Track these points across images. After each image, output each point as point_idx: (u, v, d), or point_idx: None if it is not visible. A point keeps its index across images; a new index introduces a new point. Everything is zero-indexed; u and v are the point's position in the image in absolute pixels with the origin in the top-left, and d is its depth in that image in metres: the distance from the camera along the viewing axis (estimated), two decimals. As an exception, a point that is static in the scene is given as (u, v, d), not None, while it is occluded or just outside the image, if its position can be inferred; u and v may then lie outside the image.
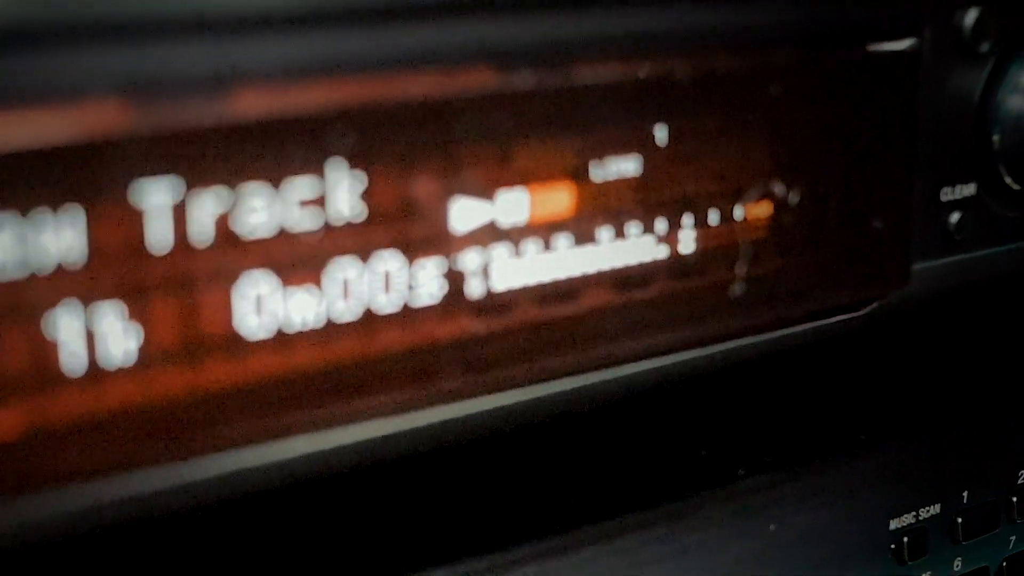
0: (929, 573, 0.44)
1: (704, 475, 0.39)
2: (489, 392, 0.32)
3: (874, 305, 0.39)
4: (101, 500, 0.28)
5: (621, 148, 0.32)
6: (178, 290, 0.27)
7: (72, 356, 0.26)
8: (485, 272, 0.31)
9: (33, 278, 0.25)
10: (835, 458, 0.41)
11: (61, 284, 0.26)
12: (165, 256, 0.27)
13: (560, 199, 0.31)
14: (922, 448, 0.43)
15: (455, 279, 0.30)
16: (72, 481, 0.27)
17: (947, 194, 0.40)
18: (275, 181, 0.27)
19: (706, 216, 0.34)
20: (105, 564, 0.30)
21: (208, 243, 0.27)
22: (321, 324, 0.29)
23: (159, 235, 0.26)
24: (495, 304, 0.31)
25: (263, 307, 0.28)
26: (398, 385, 0.30)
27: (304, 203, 0.28)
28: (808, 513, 0.40)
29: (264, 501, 0.31)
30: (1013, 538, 0.46)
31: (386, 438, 0.31)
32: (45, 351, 0.26)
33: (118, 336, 0.27)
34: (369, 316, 0.29)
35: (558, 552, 0.34)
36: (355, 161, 0.28)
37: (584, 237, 0.32)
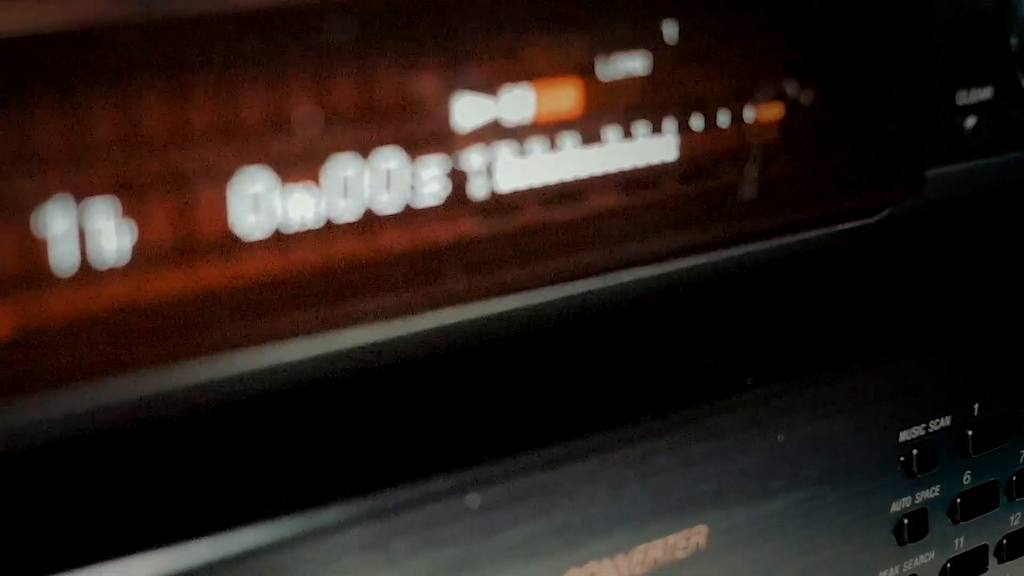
0: (938, 487, 0.43)
1: (711, 384, 0.38)
2: (492, 296, 0.31)
3: (886, 211, 0.38)
4: (92, 404, 0.27)
5: (629, 45, 0.31)
6: (173, 186, 0.26)
7: (63, 254, 0.26)
8: (489, 172, 0.30)
9: (23, 173, 0.25)
10: (845, 368, 0.40)
11: (52, 179, 0.25)
12: (160, 150, 0.26)
13: (566, 97, 0.31)
14: (933, 360, 0.42)
15: (458, 178, 0.30)
16: (63, 384, 0.27)
17: (963, 98, 0.39)
18: (274, 74, 0.26)
19: (716, 117, 0.33)
20: (97, 470, 0.30)
21: (204, 137, 0.26)
22: (320, 224, 0.28)
23: (154, 127, 0.26)
24: (499, 205, 0.30)
25: (260, 205, 0.27)
26: (399, 288, 0.29)
27: (303, 96, 0.27)
28: (817, 423, 0.39)
29: (261, 406, 0.31)
30: (1023, 452, 0.45)
31: (387, 342, 0.30)
32: (35, 249, 0.25)
33: (111, 234, 0.26)
34: (370, 216, 0.29)
35: (563, 461, 0.34)
36: (356, 54, 0.27)
37: (591, 137, 0.31)
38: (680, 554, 0.37)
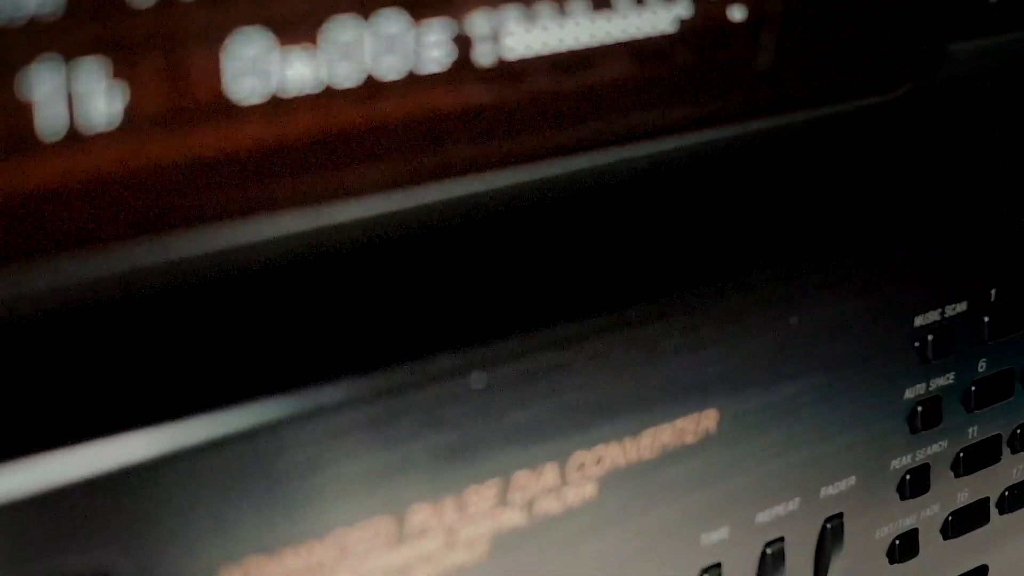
0: (953, 374, 0.43)
1: (723, 264, 0.37)
2: (497, 167, 0.30)
3: (905, 87, 0.37)
4: (82, 277, 0.27)
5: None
6: (166, 47, 0.25)
7: (49, 119, 0.25)
8: (495, 37, 0.29)
9: (5, 31, 0.24)
10: (859, 251, 0.40)
11: (37, 37, 0.24)
12: (152, 8, 0.25)
13: (575, -41, 0.30)
14: (949, 244, 0.42)
15: (463, 44, 0.29)
16: (49, 256, 0.26)
17: (987, -33, 0.38)
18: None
19: (731, -17, 0.32)
20: (88, 345, 0.29)
21: (196, -6, 0.25)
22: (319, 89, 0.27)
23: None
24: (505, 72, 0.29)
25: (256, 69, 0.26)
26: (401, 157, 0.29)
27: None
28: (830, 307, 0.39)
29: (258, 281, 0.30)
30: (1040, 340, 0.45)
31: (390, 215, 0.29)
32: (19, 113, 0.24)
33: (100, 97, 0.25)
34: (371, 83, 0.28)
35: (571, 342, 0.33)
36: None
37: (600, 2, 0.30)
38: (689, 439, 0.36)
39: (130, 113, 0.26)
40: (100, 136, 0.25)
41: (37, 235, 0.26)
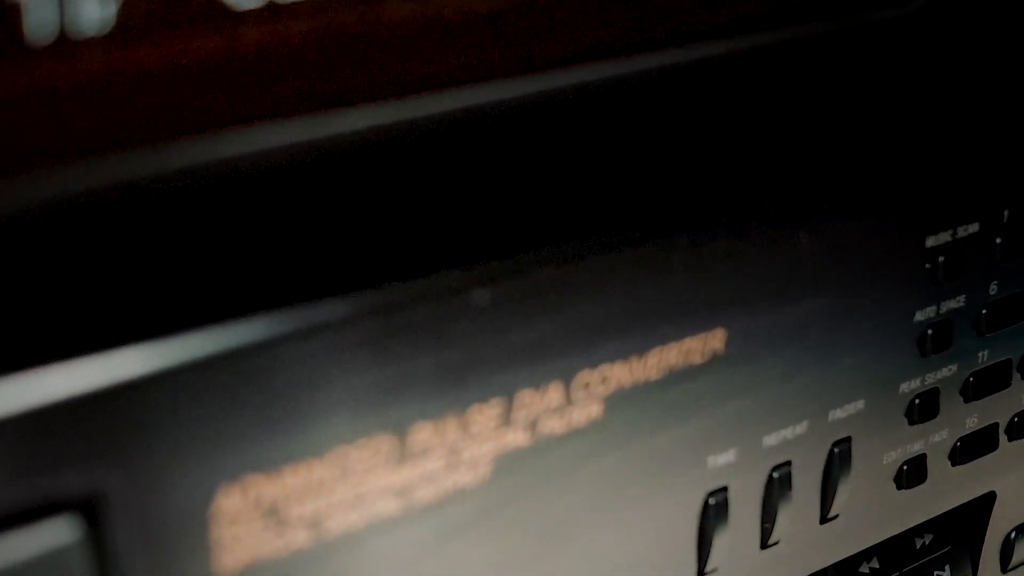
0: (964, 296, 0.42)
1: (733, 181, 0.37)
2: (505, 75, 0.30)
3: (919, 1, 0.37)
4: (70, 187, 0.26)
5: None
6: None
7: (39, 22, 0.24)
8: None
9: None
10: (871, 170, 0.39)
11: (24, -65, 0.23)
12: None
13: None
14: (962, 164, 0.41)
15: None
16: (39, 165, 0.25)
17: None
18: None
19: None
20: (79, 257, 0.29)
21: None
22: (317, -7, 0.27)
23: None
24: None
25: (252, -29, 0.26)
26: (405, 63, 0.28)
27: None
28: (841, 226, 0.38)
29: (254, 193, 0.29)
30: (1052, 263, 0.44)
31: (394, 125, 0.29)
32: (7, 16, 0.24)
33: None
34: (370, -13, 0.27)
35: (577, 258, 0.33)
36: None
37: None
38: (696, 359, 0.36)
39: (122, 17, 0.25)
40: (91, 40, 0.25)
41: (25, 144, 0.25)
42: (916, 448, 0.43)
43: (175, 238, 0.30)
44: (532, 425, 0.33)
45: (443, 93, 0.29)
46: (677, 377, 0.36)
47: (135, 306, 0.28)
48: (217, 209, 0.29)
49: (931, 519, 0.46)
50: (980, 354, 0.44)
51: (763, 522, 0.40)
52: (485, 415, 0.32)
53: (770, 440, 0.39)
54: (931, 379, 0.43)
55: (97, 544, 0.28)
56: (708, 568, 0.39)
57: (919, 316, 0.41)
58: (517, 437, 0.33)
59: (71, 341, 0.27)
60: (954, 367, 0.43)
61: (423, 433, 0.32)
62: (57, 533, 0.28)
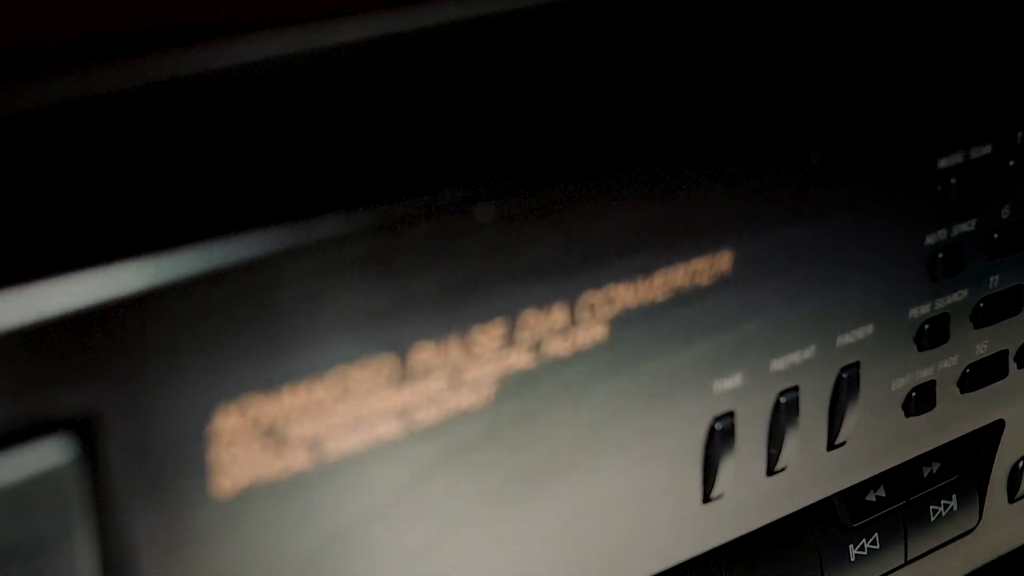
0: (975, 220, 0.42)
1: (741, 99, 0.36)
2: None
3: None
4: (70, 97, 0.25)
5: None
6: None
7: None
8: None
9: None
10: (883, 91, 0.38)
11: None
12: None
13: None
14: (975, 84, 0.41)
15: None
16: (32, 75, 0.25)
17: None
18: None
19: None
20: (75, 169, 0.28)
21: None
22: None
23: None
24: None
25: None
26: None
27: None
28: (853, 145, 0.38)
29: (254, 105, 0.29)
30: (1064, 185, 0.44)
31: (398, 36, 0.28)
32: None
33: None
34: None
35: (584, 175, 0.32)
36: None
37: None
38: (703, 281, 0.35)
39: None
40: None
41: (17, 52, 0.24)
42: (925, 374, 0.43)
43: (172, 151, 0.29)
44: (536, 346, 0.33)
45: (451, 2, 0.28)
46: (683, 299, 0.35)
47: (131, 220, 0.28)
48: (217, 123, 0.29)
49: (939, 447, 0.46)
50: (991, 279, 0.43)
51: (770, 448, 0.39)
52: (488, 335, 0.32)
53: (777, 365, 0.38)
54: (941, 304, 0.42)
55: (91, 465, 0.28)
56: (713, 494, 0.38)
57: (930, 239, 0.41)
58: (521, 358, 0.33)
59: (65, 256, 0.27)
60: (964, 292, 0.43)
61: (425, 353, 0.31)
62: (50, 454, 0.27)
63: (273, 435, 0.30)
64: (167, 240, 0.27)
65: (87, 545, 0.28)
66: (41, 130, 0.27)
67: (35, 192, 0.28)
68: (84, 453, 0.27)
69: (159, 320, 0.27)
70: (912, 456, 0.45)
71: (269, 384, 0.29)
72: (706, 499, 0.38)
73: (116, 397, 0.27)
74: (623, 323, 0.34)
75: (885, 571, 0.46)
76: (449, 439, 0.32)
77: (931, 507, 0.47)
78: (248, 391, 0.29)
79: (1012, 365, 0.46)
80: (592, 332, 0.34)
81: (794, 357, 0.39)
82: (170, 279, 0.27)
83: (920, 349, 0.42)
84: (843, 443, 0.41)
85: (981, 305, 0.43)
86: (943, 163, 0.40)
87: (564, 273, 0.33)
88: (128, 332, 0.27)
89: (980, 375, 0.45)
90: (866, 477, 0.43)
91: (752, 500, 0.40)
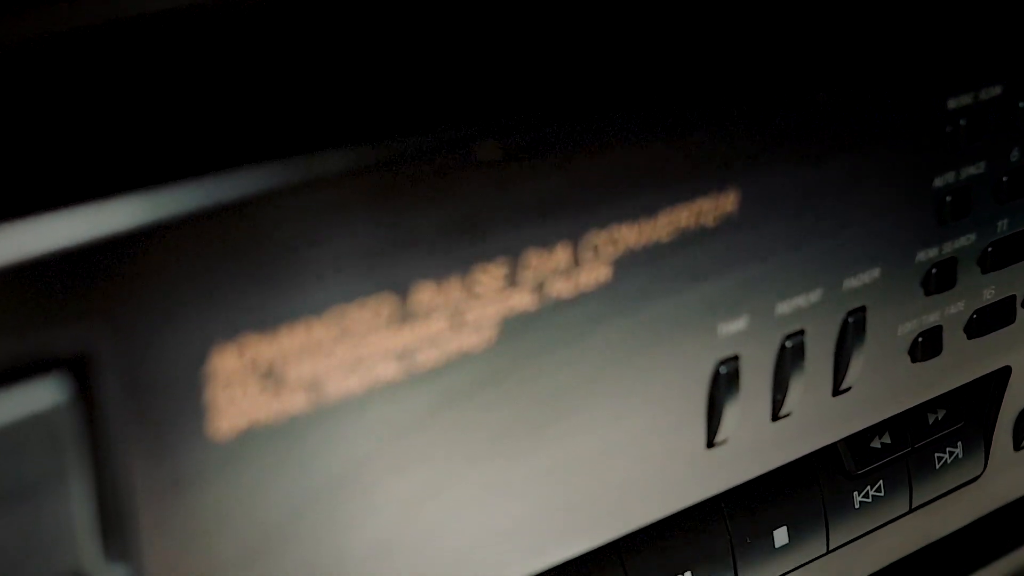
0: (984, 162, 0.42)
1: (748, 38, 0.36)
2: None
3: None
4: (64, 25, 0.25)
5: None
6: None
7: None
8: None
9: None
10: (892, 27, 0.38)
11: None
12: None
13: None
14: (987, 23, 0.40)
15: None
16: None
17: None
18: None
19: None
20: (64, 102, 0.28)
21: None
22: None
23: None
24: None
25: None
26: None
27: None
28: (861, 84, 0.37)
29: (253, 37, 0.28)
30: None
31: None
32: None
33: None
34: None
35: (588, 113, 0.32)
36: None
37: None
38: (708, 221, 0.35)
39: None
40: None
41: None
42: (931, 319, 0.43)
43: (170, 84, 0.29)
44: (539, 287, 0.33)
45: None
46: (688, 240, 0.35)
47: (127, 155, 0.27)
48: (217, 55, 0.28)
49: (944, 394, 0.46)
50: (999, 223, 0.43)
51: (774, 393, 0.39)
52: (490, 275, 0.32)
53: (783, 308, 0.38)
54: (948, 248, 0.42)
55: (86, 406, 0.27)
56: (717, 439, 0.38)
57: (938, 182, 0.41)
58: (523, 299, 0.32)
59: (60, 191, 0.26)
60: (972, 236, 0.42)
61: (425, 293, 0.31)
62: (45, 394, 0.27)
63: (271, 376, 0.29)
64: (163, 175, 0.27)
65: (82, 487, 0.28)
66: (37, 62, 0.26)
67: (27, 125, 0.27)
68: (79, 393, 0.27)
69: (155, 257, 0.27)
70: (918, 403, 0.44)
71: (267, 324, 0.29)
72: (710, 444, 0.38)
73: (111, 336, 0.27)
74: (627, 264, 0.34)
75: (889, 518, 0.46)
76: (450, 381, 0.32)
77: (936, 454, 0.46)
78: (245, 331, 0.29)
79: (1020, 311, 0.46)
80: (596, 273, 0.33)
81: (800, 300, 0.38)
82: (166, 215, 0.27)
83: (927, 294, 0.42)
84: (848, 389, 0.41)
85: (989, 249, 0.43)
86: (952, 104, 0.40)
87: (567, 212, 0.32)
88: (123, 269, 0.27)
89: (987, 321, 0.44)
90: (871, 423, 0.43)
91: (756, 446, 0.40)
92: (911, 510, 0.46)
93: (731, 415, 0.38)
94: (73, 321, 0.27)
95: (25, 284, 0.26)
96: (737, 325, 0.37)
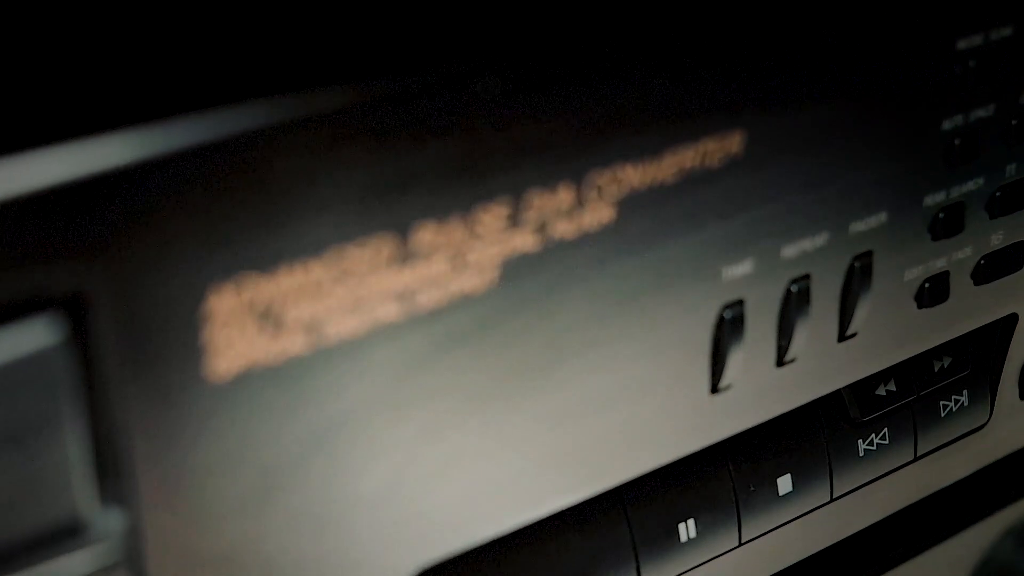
0: (994, 105, 0.41)
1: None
2: None
3: None
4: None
5: None
6: None
7: None
8: None
9: None
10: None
11: None
12: None
13: None
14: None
15: None
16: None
17: None
18: None
19: None
20: (58, 32, 0.27)
21: None
22: None
23: None
24: None
25: None
26: None
27: None
28: (868, 25, 0.37)
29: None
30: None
31: None
32: None
33: None
34: None
35: (590, 49, 0.31)
36: None
37: None
38: (713, 162, 0.35)
39: None
40: None
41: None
42: (939, 265, 0.42)
43: (168, 17, 0.28)
44: (541, 228, 0.32)
45: None
46: (693, 181, 0.35)
47: (124, 89, 0.27)
48: None
49: (951, 341, 0.45)
50: (1008, 167, 0.43)
51: (779, 338, 0.39)
52: (492, 215, 0.31)
53: (789, 251, 0.38)
54: (956, 192, 0.42)
55: (82, 345, 0.27)
56: (722, 385, 0.38)
57: (946, 124, 0.40)
58: (525, 240, 0.32)
59: (55, 125, 0.26)
60: (981, 180, 0.42)
61: (426, 233, 0.31)
62: (39, 334, 0.27)
63: (269, 317, 0.29)
64: (161, 110, 0.27)
65: (77, 430, 0.27)
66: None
67: (21, 59, 0.27)
68: (73, 333, 0.27)
69: (151, 194, 0.27)
70: (923, 349, 0.44)
71: (265, 263, 0.29)
72: (714, 390, 0.38)
73: (106, 274, 0.27)
74: (631, 205, 0.34)
75: (894, 467, 0.46)
76: (451, 324, 0.32)
77: (941, 402, 0.46)
78: (243, 270, 0.28)
79: (1028, 257, 0.45)
80: (599, 214, 0.33)
81: (806, 244, 0.38)
82: (163, 151, 0.27)
83: (934, 239, 0.42)
84: (854, 335, 0.41)
85: (998, 194, 0.43)
86: (962, 44, 0.39)
87: (570, 151, 0.32)
88: (119, 206, 0.26)
89: (995, 267, 0.44)
90: (877, 370, 0.43)
91: (761, 392, 0.39)
92: (915, 459, 0.46)
93: (735, 360, 0.38)
94: (67, 259, 0.26)
95: (18, 221, 0.25)
96: (742, 269, 0.37)
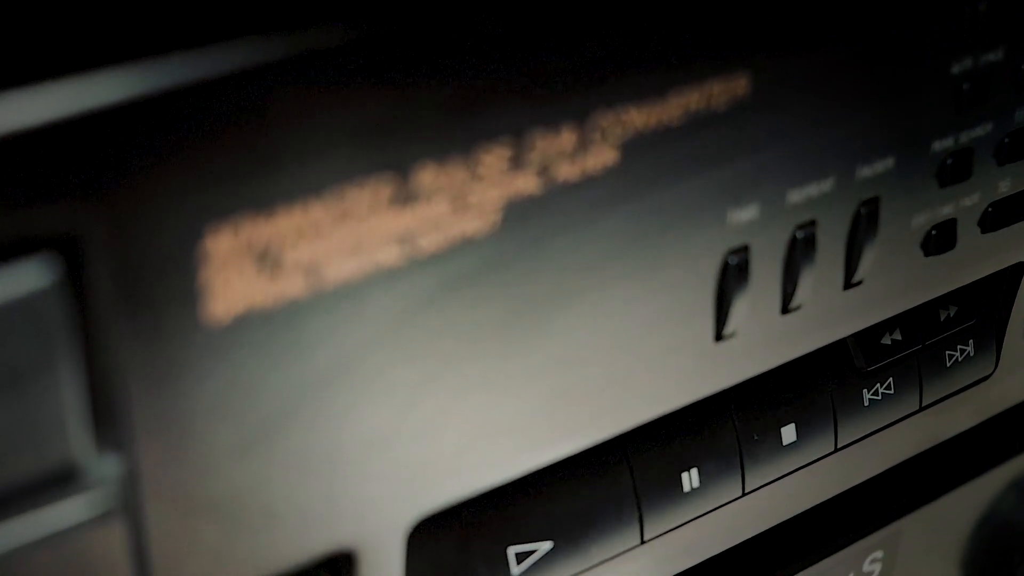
0: (1003, 48, 0.41)
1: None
2: None
3: None
4: None
5: None
6: None
7: None
8: None
9: None
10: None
11: None
12: None
13: None
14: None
15: None
16: None
17: None
18: None
19: None
20: None
21: None
22: None
23: None
24: None
25: None
26: None
27: None
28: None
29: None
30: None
31: None
32: None
33: None
34: None
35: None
36: None
37: None
38: (718, 104, 0.34)
39: None
40: None
41: None
42: (946, 212, 0.42)
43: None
44: (544, 170, 0.32)
45: None
46: (698, 123, 0.34)
47: (118, 24, 0.27)
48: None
49: (957, 290, 0.45)
50: (1018, 113, 0.42)
51: (784, 285, 0.39)
52: (494, 156, 0.31)
53: (794, 196, 0.37)
54: (965, 138, 0.41)
55: (76, 288, 0.27)
56: (726, 332, 0.38)
57: (955, 68, 0.40)
58: (528, 183, 0.32)
59: (50, 61, 0.25)
60: (989, 126, 0.42)
61: (427, 174, 0.30)
62: (32, 275, 0.26)
63: (268, 259, 0.29)
64: (156, 46, 0.26)
65: (72, 375, 0.27)
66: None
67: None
68: (68, 274, 0.27)
69: (146, 132, 0.26)
70: (930, 298, 0.44)
71: (263, 204, 0.28)
72: (718, 337, 0.38)
73: (101, 214, 0.27)
74: (635, 148, 0.33)
75: (899, 417, 0.45)
76: (452, 267, 0.32)
77: (947, 352, 0.46)
78: (241, 211, 0.28)
79: (1036, 205, 0.45)
80: (602, 156, 0.33)
81: (812, 189, 0.38)
82: (159, 88, 0.26)
83: (941, 185, 0.41)
84: (860, 282, 0.41)
85: (1006, 140, 0.42)
86: (972, -9, 0.39)
87: (573, 91, 0.32)
88: (114, 145, 0.26)
89: (1002, 214, 0.44)
90: (882, 319, 0.43)
91: (765, 339, 0.39)
92: (920, 409, 0.46)
93: (740, 307, 0.37)
94: (61, 199, 0.26)
95: (9, 159, 0.25)
96: (747, 214, 0.36)
